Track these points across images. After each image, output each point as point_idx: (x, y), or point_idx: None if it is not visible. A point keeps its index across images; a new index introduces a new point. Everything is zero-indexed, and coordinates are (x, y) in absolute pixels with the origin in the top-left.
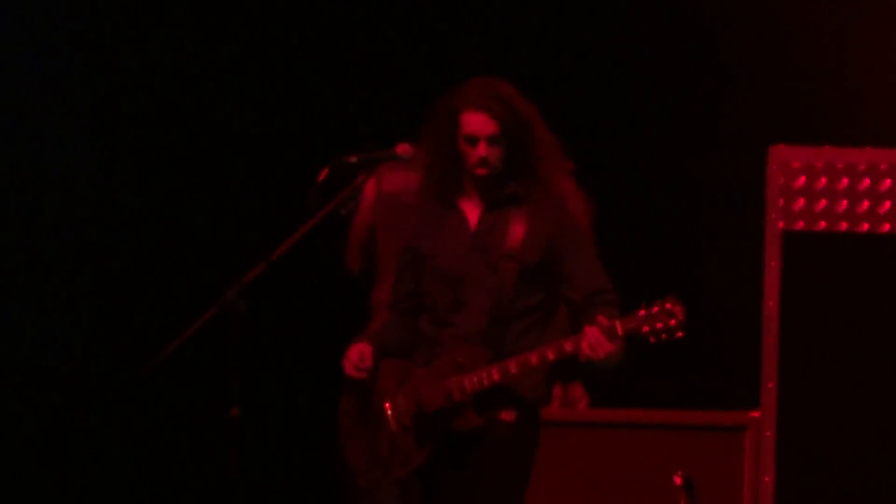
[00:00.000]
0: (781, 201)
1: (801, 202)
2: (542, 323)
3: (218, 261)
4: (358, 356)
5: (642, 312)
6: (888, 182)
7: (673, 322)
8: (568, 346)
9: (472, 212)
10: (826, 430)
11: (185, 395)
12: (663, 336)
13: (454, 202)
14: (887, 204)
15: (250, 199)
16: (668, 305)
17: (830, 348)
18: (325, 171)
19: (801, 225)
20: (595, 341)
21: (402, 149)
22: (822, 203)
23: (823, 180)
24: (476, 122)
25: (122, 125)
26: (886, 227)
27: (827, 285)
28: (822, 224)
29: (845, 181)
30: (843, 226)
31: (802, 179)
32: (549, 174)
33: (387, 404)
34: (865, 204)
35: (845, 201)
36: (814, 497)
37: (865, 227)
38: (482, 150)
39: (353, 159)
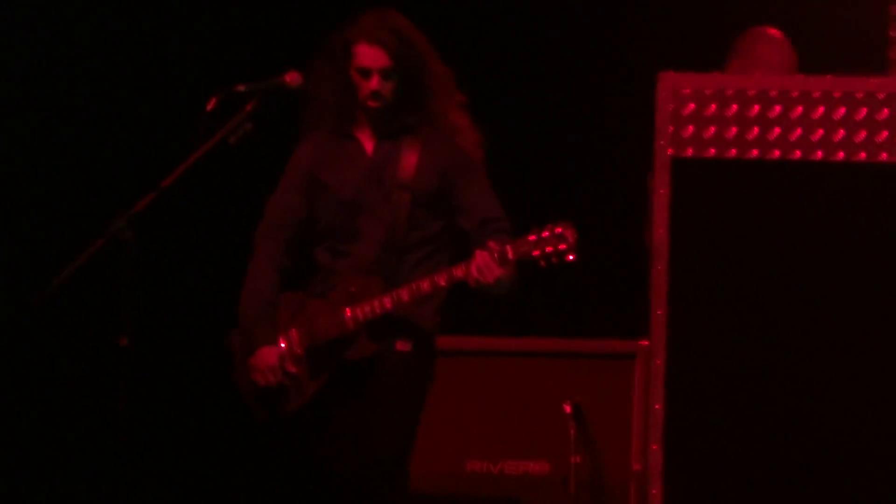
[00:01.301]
0: (671, 128)
1: (690, 129)
2: (436, 254)
3: (107, 191)
4: (268, 369)
5: (533, 237)
6: (778, 108)
7: (563, 246)
8: (458, 272)
9: (367, 143)
10: (716, 358)
11: (74, 326)
12: (554, 259)
13: (350, 133)
14: (776, 130)
15: (139, 129)
16: (559, 230)
17: (720, 275)
18: (214, 99)
19: (690, 152)
20: (485, 265)
21: (292, 77)
22: (712, 130)
23: (713, 107)
24: (369, 55)
25: (3, 49)
26: (776, 153)
27: (717, 212)
28: (712, 151)
29: (735, 108)
30: (733, 152)
31: (692, 106)
32: (442, 107)
33: (280, 339)
34: (755, 131)
35: (735, 128)
36: (703, 424)
37: (755, 153)
38: (375, 83)
39: (242, 88)
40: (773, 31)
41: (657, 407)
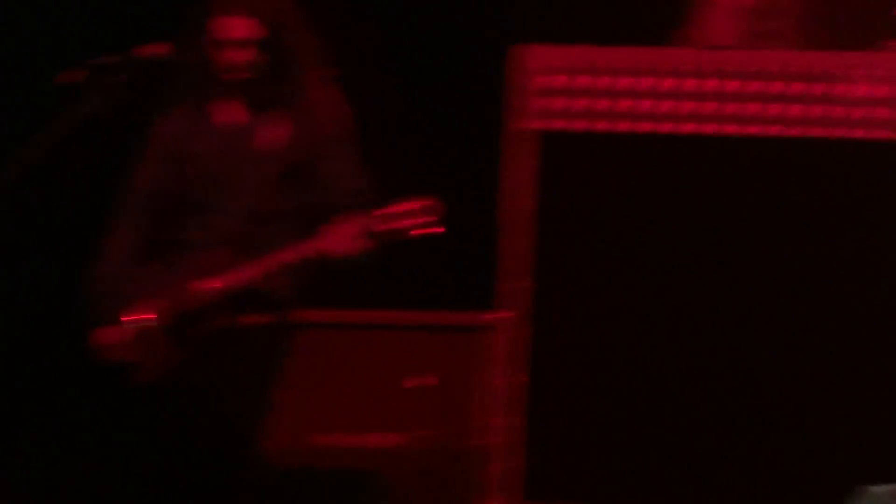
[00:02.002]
0: (539, 101)
1: (559, 101)
2: (299, 228)
3: None
4: (124, 341)
5: (398, 209)
6: (649, 80)
7: (428, 218)
8: (321, 245)
9: (230, 115)
10: (580, 331)
11: None
12: (420, 231)
13: (214, 104)
14: (646, 103)
15: None
16: (425, 202)
17: (585, 248)
18: (79, 71)
19: (558, 124)
20: (350, 238)
21: (157, 49)
22: (582, 102)
23: (583, 79)
24: (230, 27)
25: None
26: (646, 125)
27: (584, 185)
28: (581, 124)
29: (605, 80)
30: (603, 125)
31: (561, 78)
32: (309, 79)
33: (139, 310)
34: (625, 103)
35: (605, 100)
36: (566, 397)
37: (625, 125)
38: (235, 54)
39: (107, 60)
40: None
41: (519, 379)
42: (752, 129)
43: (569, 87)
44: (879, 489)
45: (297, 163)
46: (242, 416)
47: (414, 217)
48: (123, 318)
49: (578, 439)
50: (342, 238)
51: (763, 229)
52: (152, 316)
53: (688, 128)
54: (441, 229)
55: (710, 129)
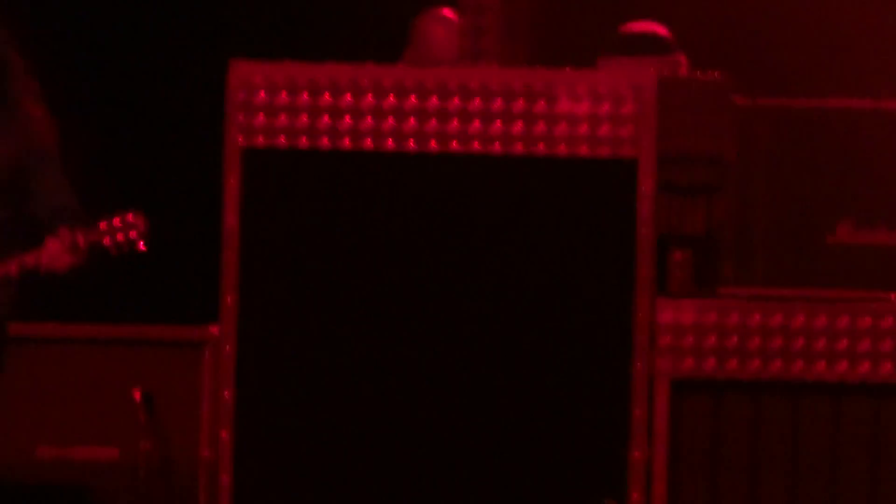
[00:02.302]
0: (241, 116)
1: (261, 117)
2: (8, 242)
3: None
4: None
5: (103, 225)
6: (349, 97)
7: (134, 234)
8: (30, 260)
9: None
10: (285, 346)
11: None
12: (125, 248)
13: None
14: (347, 119)
15: None
16: (130, 218)
17: (289, 264)
18: None
19: (261, 140)
20: (56, 253)
21: None
22: (283, 118)
23: (284, 95)
24: None
25: None
26: (346, 142)
27: (288, 201)
28: (283, 140)
29: (306, 96)
30: (304, 141)
31: (262, 94)
32: (17, 96)
33: None
34: (326, 119)
35: (306, 116)
36: (273, 411)
37: (326, 142)
38: None
39: None
40: (445, 11)
41: (226, 394)
42: (454, 146)
43: (269, 104)
44: None
45: (5, 177)
46: None
47: (120, 233)
48: None
49: (285, 454)
50: (51, 253)
51: (462, 245)
52: None
53: (388, 144)
54: (144, 245)
55: (410, 146)
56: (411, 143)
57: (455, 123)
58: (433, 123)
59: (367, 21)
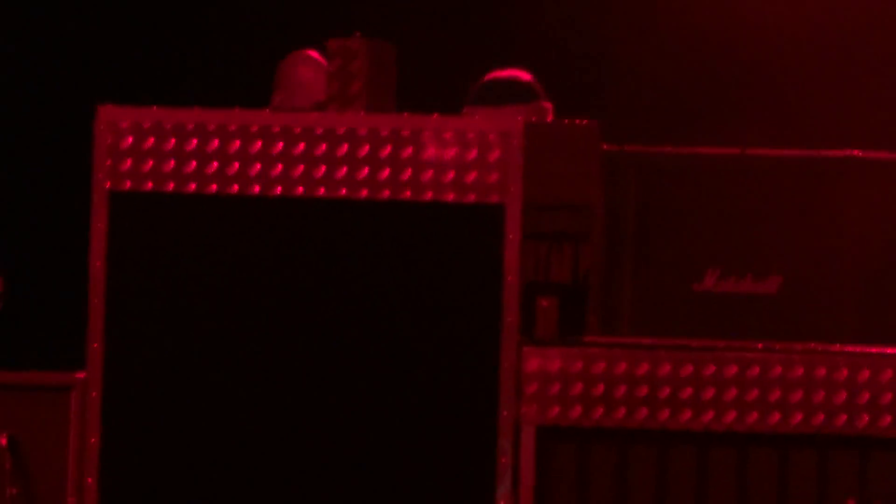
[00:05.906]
0: (109, 161)
1: (128, 162)
2: None
3: None
4: None
5: None
6: (216, 142)
7: None
8: None
9: None
10: (151, 392)
11: None
12: None
13: None
14: (214, 164)
15: None
16: None
17: (156, 309)
18: None
19: (128, 185)
20: None
21: None
22: (150, 163)
23: (151, 140)
24: None
25: None
26: (213, 187)
27: (156, 246)
28: (150, 184)
29: (173, 141)
30: (171, 186)
31: (130, 139)
32: None
33: None
34: (193, 164)
35: (173, 161)
36: (139, 457)
37: (193, 187)
38: None
39: None
40: (310, 52)
41: (92, 441)
42: (321, 192)
43: (137, 148)
44: None
45: None
46: None
47: None
48: None
49: (151, 500)
50: None
51: (327, 291)
52: None
53: (254, 189)
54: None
55: (277, 191)
56: (278, 189)
57: (322, 169)
58: (300, 169)
59: (238, 64)
